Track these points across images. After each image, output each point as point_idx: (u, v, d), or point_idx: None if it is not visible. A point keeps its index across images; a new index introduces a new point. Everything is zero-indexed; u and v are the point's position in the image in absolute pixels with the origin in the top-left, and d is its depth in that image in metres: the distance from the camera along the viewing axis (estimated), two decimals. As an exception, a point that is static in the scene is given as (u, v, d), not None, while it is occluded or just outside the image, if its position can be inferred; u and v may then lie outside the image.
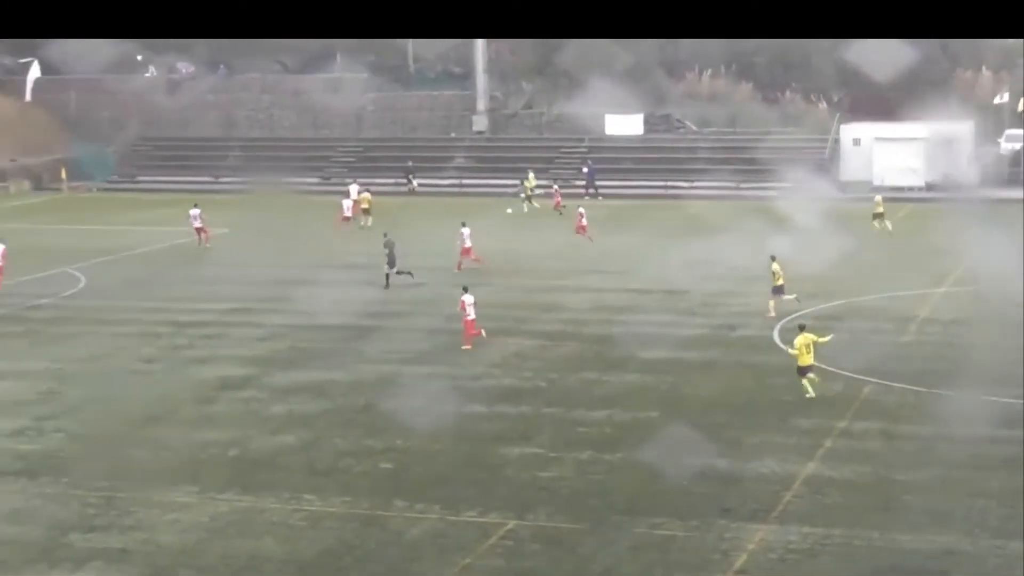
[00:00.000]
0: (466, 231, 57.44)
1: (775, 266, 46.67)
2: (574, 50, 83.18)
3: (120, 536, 28.14)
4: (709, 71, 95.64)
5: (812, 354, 36.75)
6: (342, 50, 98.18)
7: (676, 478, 30.69)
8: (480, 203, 75.93)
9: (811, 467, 31.24)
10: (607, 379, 39.65)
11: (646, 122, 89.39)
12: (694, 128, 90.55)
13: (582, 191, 79.83)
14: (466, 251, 57.15)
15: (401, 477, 31.30)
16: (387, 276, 53.50)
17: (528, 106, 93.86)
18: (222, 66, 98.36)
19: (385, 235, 55.30)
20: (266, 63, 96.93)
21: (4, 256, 55.76)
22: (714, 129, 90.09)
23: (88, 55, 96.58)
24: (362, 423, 35.86)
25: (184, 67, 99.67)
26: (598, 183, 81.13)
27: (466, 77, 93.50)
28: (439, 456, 32.88)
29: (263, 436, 34.80)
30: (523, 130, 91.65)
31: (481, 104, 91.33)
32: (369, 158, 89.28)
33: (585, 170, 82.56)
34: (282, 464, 32.51)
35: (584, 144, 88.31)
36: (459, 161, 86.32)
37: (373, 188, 75.25)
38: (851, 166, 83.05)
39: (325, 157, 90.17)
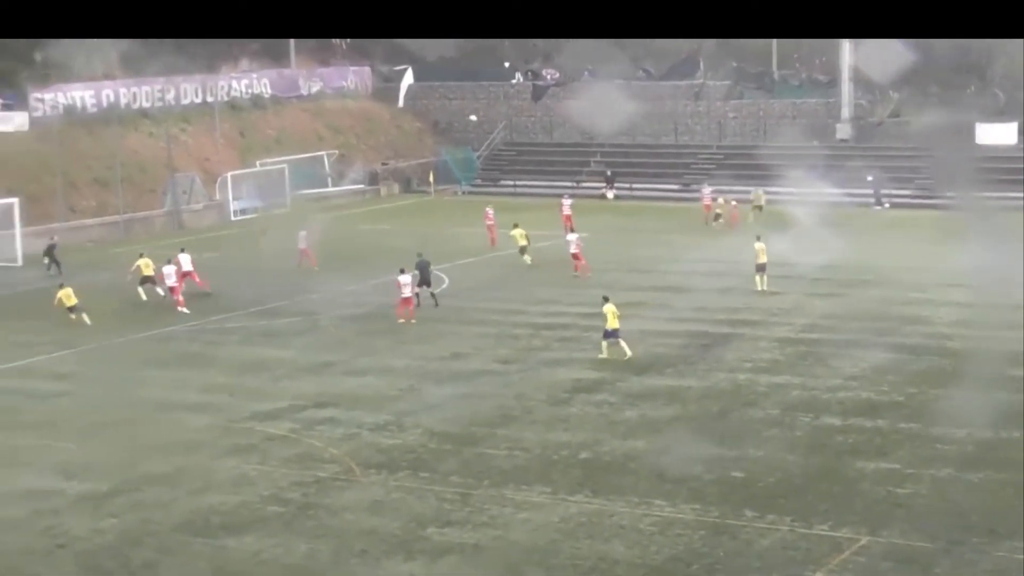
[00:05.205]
0: (573, 236, 60.06)
1: None
2: (944, 57, 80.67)
3: (474, 532, 28.77)
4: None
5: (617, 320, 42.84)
6: (705, 57, 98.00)
7: (1040, 501, 29.55)
8: (839, 213, 74.49)
9: None
10: (969, 396, 38.37)
11: (1022, 131, 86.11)
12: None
13: (873, 201, 78.69)
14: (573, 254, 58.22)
15: (752, 486, 31.04)
16: (417, 295, 51.67)
17: (895, 114, 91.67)
18: (586, 72, 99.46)
19: (419, 255, 53.89)
20: (630, 70, 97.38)
21: (180, 272, 54.60)
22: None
23: (455, 65, 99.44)
24: (714, 431, 35.70)
25: (549, 73, 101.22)
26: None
27: (831, 85, 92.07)
28: (792, 467, 32.48)
29: (614, 440, 35.03)
30: (888, 139, 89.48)
31: (845, 112, 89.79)
32: (728, 165, 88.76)
33: (870, 179, 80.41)
34: (632, 469, 32.66)
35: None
36: (821, 170, 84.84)
37: (730, 195, 74.95)
38: None
39: (685, 164, 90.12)
